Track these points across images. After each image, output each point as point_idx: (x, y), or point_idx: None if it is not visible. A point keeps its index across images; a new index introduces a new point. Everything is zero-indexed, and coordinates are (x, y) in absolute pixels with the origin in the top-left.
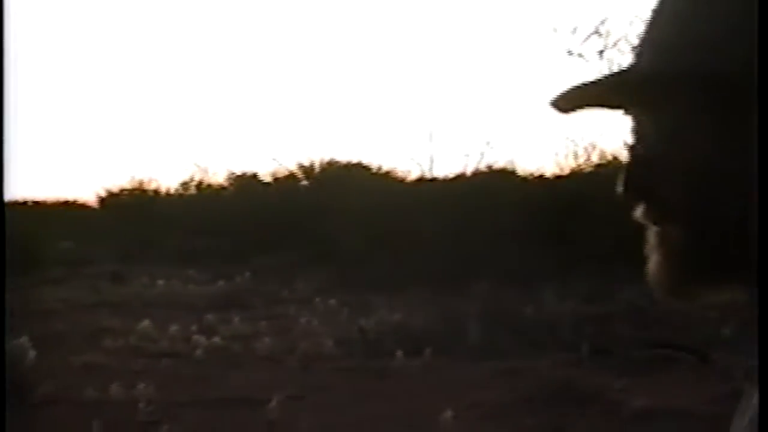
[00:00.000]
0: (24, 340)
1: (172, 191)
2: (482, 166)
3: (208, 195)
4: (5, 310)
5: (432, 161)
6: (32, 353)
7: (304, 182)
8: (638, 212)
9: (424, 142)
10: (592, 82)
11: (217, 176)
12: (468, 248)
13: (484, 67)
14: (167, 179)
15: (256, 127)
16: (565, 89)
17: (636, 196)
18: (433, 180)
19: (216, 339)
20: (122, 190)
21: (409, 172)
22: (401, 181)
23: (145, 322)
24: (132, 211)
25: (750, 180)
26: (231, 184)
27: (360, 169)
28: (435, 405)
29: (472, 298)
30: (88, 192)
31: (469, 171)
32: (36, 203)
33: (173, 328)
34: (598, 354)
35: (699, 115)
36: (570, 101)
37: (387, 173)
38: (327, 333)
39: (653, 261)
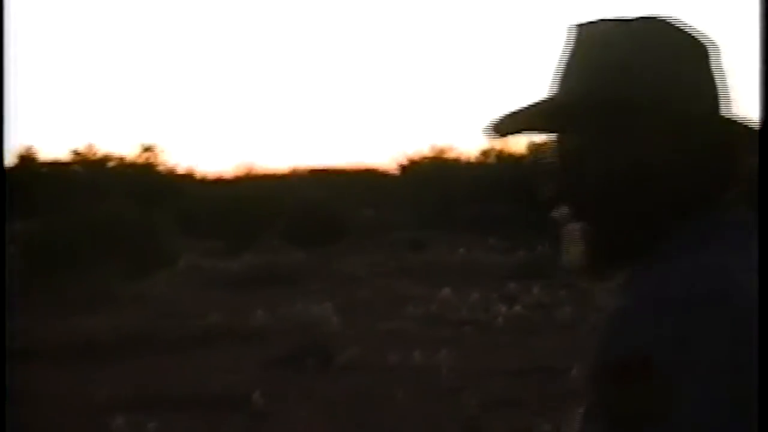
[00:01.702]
0: (328, 306)
1: (472, 159)
2: None
3: (508, 163)
4: (5, 306)
5: None
6: (336, 319)
7: None
8: (558, 212)
9: None
10: (524, 109)
11: (518, 145)
12: None
13: None
14: (467, 147)
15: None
16: (501, 116)
17: (560, 199)
18: None
19: (517, 308)
20: (422, 158)
21: None
22: None
23: (447, 290)
24: (432, 178)
25: (647, 183)
26: (531, 153)
27: None
28: None
29: None
30: (388, 159)
31: None
32: (339, 171)
33: (474, 296)
34: None
35: (611, 132)
36: (507, 127)
37: None
38: None
39: (576, 250)
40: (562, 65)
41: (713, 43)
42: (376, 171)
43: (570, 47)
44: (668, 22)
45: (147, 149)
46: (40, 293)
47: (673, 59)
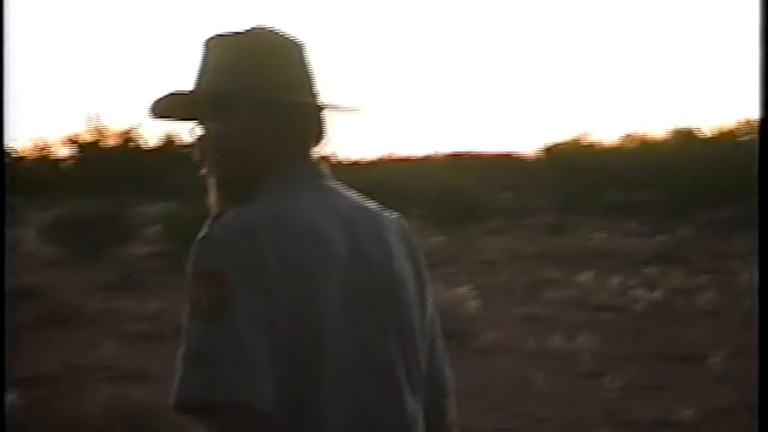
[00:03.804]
0: (467, 289)
1: (613, 144)
2: None
3: (648, 149)
4: (5, 302)
5: None
6: (475, 302)
7: (744, 137)
8: (203, 170)
9: None
10: (169, 96)
11: (658, 130)
12: None
13: None
14: (607, 133)
15: (697, 84)
16: (156, 99)
17: (200, 161)
18: None
19: (657, 293)
20: (562, 143)
21: None
22: None
23: (586, 275)
24: (572, 163)
25: (240, 150)
26: (671, 139)
27: None
28: None
29: None
30: (528, 144)
31: None
32: (478, 156)
33: (613, 281)
34: None
35: (221, 114)
36: (158, 112)
37: None
38: None
39: (211, 195)
40: (198, 69)
41: (304, 45)
42: (516, 156)
43: (202, 55)
44: (270, 32)
45: None
46: (179, 274)
47: (269, 61)
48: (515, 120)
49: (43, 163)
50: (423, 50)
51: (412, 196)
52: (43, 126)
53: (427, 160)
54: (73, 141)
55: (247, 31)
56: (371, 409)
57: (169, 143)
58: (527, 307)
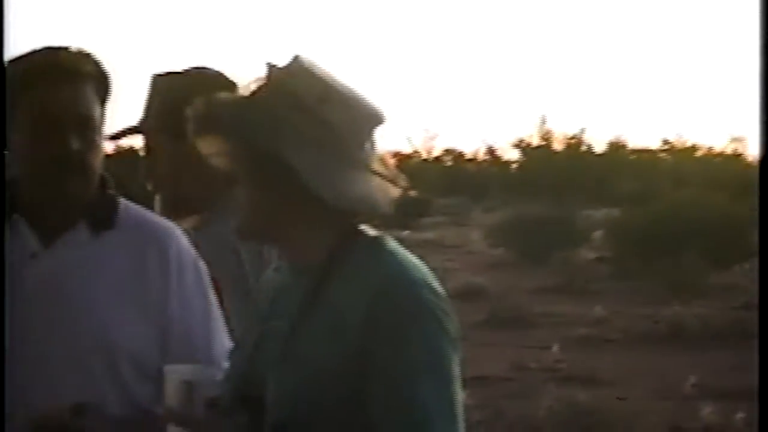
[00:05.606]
0: None
1: None
2: None
3: None
4: (5, 301)
5: None
6: None
7: None
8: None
9: None
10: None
11: None
12: None
13: None
14: None
15: None
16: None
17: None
18: None
19: None
20: None
21: None
22: None
23: None
24: None
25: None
26: None
27: None
28: None
29: None
30: None
31: None
32: None
33: None
34: None
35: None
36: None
37: None
38: None
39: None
40: (146, 102)
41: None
42: None
43: (149, 90)
44: (211, 71)
45: (735, 140)
46: (621, 280)
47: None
48: None
49: (490, 166)
50: None
51: None
52: (493, 130)
53: None
54: (521, 145)
55: (193, 68)
56: None
57: (616, 149)
58: None
